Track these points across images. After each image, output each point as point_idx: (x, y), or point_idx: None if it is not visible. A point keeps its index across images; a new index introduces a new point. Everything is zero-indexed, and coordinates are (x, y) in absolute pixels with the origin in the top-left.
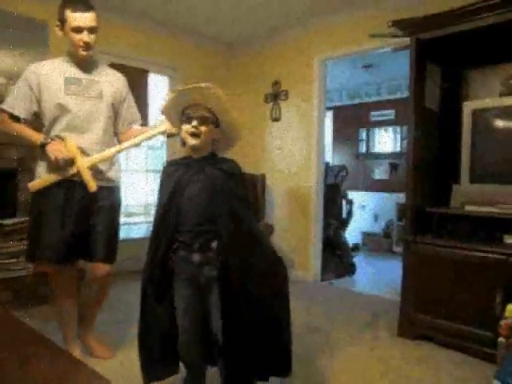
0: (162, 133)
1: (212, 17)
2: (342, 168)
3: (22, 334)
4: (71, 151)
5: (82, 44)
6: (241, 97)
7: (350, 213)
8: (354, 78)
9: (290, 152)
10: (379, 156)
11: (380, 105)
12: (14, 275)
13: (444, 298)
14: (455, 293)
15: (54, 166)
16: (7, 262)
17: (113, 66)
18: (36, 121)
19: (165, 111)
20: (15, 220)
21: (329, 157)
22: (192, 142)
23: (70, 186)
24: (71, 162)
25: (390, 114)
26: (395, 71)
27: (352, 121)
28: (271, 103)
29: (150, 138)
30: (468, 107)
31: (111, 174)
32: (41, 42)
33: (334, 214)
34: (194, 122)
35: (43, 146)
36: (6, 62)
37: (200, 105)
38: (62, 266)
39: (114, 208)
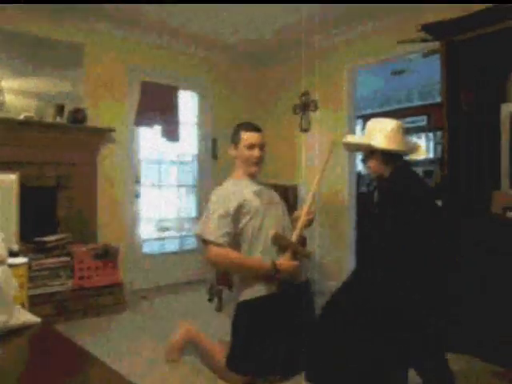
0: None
1: (239, 30)
2: None
3: (63, 347)
4: (286, 246)
5: (253, 159)
6: (270, 109)
7: None
8: (383, 85)
9: (321, 162)
10: (413, 163)
11: (411, 111)
12: (55, 290)
13: None
14: None
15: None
16: (48, 277)
17: (144, 83)
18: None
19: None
20: (56, 237)
21: (360, 166)
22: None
23: None
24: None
25: (421, 120)
26: (426, 76)
27: None
28: (300, 114)
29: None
30: (506, 109)
31: None
32: (77, 64)
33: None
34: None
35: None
36: (44, 85)
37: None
38: None
39: None
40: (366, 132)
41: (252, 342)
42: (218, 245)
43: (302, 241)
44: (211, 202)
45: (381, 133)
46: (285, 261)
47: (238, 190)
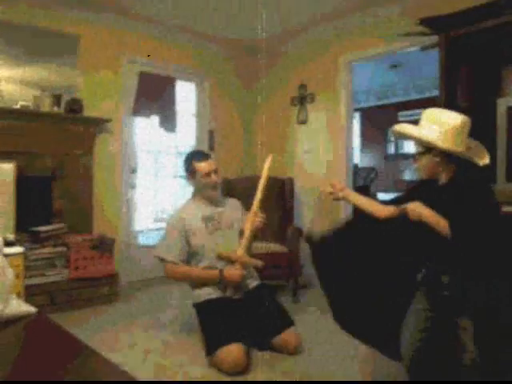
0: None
1: (236, 21)
2: (371, 170)
3: (58, 337)
4: (234, 261)
5: (212, 184)
6: (267, 101)
7: None
8: (380, 79)
9: (318, 155)
10: (409, 156)
11: (408, 105)
12: (50, 280)
13: None
14: None
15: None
16: (44, 267)
17: (142, 74)
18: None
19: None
20: (50, 227)
21: (357, 159)
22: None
23: None
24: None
25: (418, 113)
26: (423, 70)
27: (380, 122)
28: (297, 106)
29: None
30: (503, 104)
31: None
32: (71, 55)
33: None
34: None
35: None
36: (41, 75)
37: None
38: None
39: None
40: (424, 122)
41: (214, 331)
42: (172, 262)
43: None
44: (167, 225)
45: (444, 128)
46: (231, 270)
47: (190, 214)
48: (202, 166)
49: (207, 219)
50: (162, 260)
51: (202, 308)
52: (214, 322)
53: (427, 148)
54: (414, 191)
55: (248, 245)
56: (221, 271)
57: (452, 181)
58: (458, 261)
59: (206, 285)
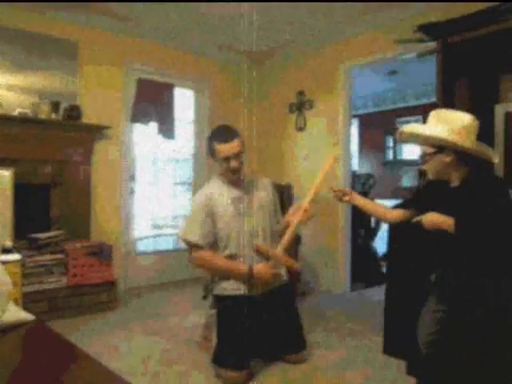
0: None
1: (235, 29)
2: (370, 176)
3: (56, 344)
4: (267, 254)
5: (232, 170)
6: (265, 107)
7: (378, 221)
8: (378, 85)
9: (316, 161)
10: (407, 163)
11: (407, 111)
12: (48, 287)
13: None
14: None
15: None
16: (42, 274)
17: (141, 80)
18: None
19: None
20: (48, 234)
21: (355, 165)
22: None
23: None
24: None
25: (417, 119)
26: (421, 76)
27: (378, 128)
28: (296, 113)
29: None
30: (500, 110)
31: None
32: (72, 61)
33: (363, 222)
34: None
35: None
36: (39, 81)
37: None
38: None
39: None
40: (433, 121)
41: (229, 335)
42: (200, 247)
43: (296, 240)
44: (193, 205)
45: (456, 126)
46: (262, 268)
47: (217, 194)
48: (222, 149)
49: (236, 200)
50: (190, 243)
51: (223, 303)
52: (230, 330)
53: (438, 147)
54: (423, 193)
55: (289, 243)
56: (250, 268)
57: (465, 182)
58: (469, 261)
59: (233, 279)
